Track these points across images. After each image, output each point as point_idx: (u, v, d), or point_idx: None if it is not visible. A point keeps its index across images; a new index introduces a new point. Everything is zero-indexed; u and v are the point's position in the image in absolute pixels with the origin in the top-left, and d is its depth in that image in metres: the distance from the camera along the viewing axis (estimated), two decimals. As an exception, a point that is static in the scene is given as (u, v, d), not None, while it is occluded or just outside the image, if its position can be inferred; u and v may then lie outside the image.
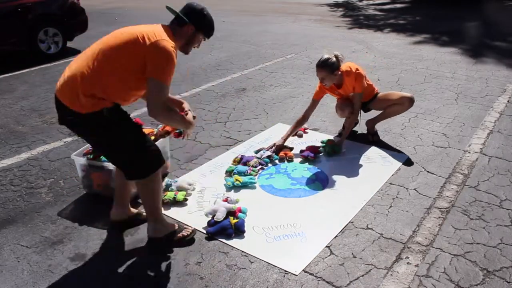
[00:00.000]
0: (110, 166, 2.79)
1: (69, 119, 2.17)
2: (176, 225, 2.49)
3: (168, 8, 2.35)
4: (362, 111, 3.79)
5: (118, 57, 2.09)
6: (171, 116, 2.21)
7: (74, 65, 2.15)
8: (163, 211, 2.72)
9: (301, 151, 3.48)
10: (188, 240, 2.44)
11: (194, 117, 2.45)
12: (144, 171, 2.25)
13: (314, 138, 3.78)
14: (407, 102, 3.52)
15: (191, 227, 2.50)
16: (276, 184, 3.05)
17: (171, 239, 2.42)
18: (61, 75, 2.17)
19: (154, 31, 2.13)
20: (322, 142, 3.64)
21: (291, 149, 3.53)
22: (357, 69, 3.45)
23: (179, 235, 2.43)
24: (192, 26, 2.27)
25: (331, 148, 3.47)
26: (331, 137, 3.73)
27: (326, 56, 3.34)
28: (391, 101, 3.59)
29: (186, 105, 2.52)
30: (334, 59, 3.32)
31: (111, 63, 2.08)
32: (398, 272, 2.17)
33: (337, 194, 2.92)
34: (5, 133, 4.10)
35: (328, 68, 3.32)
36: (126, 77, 2.11)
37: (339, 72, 3.39)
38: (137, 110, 4.52)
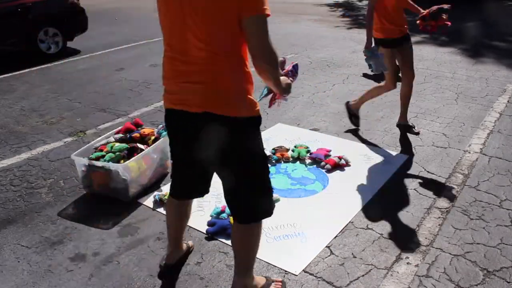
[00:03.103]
0: (110, 166, 2.79)
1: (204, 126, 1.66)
2: (264, 278, 2.06)
3: None
4: None
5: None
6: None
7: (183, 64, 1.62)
8: (163, 211, 2.72)
9: (311, 153, 3.43)
10: None
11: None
12: (266, 210, 1.83)
13: (314, 138, 3.78)
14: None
15: (280, 280, 2.08)
16: (276, 184, 3.05)
17: None
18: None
19: None
20: (295, 146, 3.56)
21: (288, 150, 3.52)
22: None
23: None
24: None
25: (298, 153, 3.42)
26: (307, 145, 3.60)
27: None
28: None
29: None
30: None
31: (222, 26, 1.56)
32: (398, 272, 2.17)
33: (337, 194, 2.92)
34: (5, 133, 4.10)
35: None
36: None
37: None
38: (137, 110, 4.53)
